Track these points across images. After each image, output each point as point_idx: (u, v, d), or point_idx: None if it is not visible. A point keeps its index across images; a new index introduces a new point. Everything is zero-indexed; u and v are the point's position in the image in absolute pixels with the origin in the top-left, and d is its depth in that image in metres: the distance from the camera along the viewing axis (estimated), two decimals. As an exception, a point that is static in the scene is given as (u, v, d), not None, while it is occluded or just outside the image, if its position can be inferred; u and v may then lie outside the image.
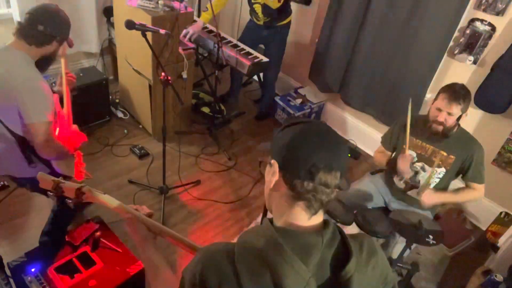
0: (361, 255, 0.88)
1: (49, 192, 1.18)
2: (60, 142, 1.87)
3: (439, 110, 2.09)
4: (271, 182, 0.89)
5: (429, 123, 2.16)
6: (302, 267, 0.80)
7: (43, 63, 1.83)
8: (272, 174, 0.89)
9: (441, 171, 2.24)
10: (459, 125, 2.21)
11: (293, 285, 0.79)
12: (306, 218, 0.88)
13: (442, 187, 2.30)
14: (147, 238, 1.17)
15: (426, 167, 2.27)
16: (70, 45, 1.95)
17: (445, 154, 2.21)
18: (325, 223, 0.90)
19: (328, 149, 0.85)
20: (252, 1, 3.34)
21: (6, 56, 1.74)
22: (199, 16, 3.57)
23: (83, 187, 1.19)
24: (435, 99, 2.14)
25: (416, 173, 2.31)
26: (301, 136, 0.86)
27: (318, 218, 0.89)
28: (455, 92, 2.05)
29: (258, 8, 3.35)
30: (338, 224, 2.36)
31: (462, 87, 2.09)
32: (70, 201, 1.19)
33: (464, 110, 2.08)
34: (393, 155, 2.47)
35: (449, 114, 2.06)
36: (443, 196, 2.26)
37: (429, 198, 2.19)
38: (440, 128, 2.12)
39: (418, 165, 2.29)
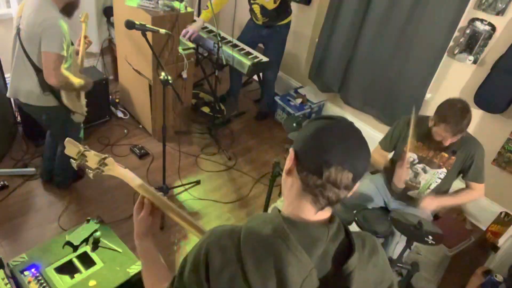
0: (363, 252, 0.88)
1: (72, 160, 1.17)
2: (66, 74, 2.26)
3: (441, 136, 2.07)
4: (286, 167, 0.90)
5: (433, 135, 2.13)
6: (306, 257, 0.81)
7: (68, 9, 2.26)
8: (288, 159, 0.90)
9: (442, 171, 2.24)
10: None
11: (295, 274, 0.79)
12: (312, 212, 0.87)
13: (445, 188, 2.30)
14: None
15: (427, 168, 2.27)
16: None
17: (446, 155, 2.21)
18: (331, 217, 0.91)
19: (345, 148, 0.83)
20: (251, 1, 3.34)
21: (36, 2, 2.17)
22: (199, 15, 3.57)
23: (107, 158, 1.18)
24: (434, 123, 2.07)
25: (417, 174, 2.30)
26: (322, 131, 0.86)
27: (325, 214, 0.89)
28: (456, 124, 2.00)
29: (256, 9, 3.35)
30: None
31: (462, 110, 2.00)
32: (90, 171, 1.17)
33: (467, 128, 2.07)
34: (390, 155, 2.47)
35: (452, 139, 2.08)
36: (443, 200, 2.26)
37: (430, 203, 2.19)
38: (444, 146, 2.14)
39: (419, 166, 2.28)
